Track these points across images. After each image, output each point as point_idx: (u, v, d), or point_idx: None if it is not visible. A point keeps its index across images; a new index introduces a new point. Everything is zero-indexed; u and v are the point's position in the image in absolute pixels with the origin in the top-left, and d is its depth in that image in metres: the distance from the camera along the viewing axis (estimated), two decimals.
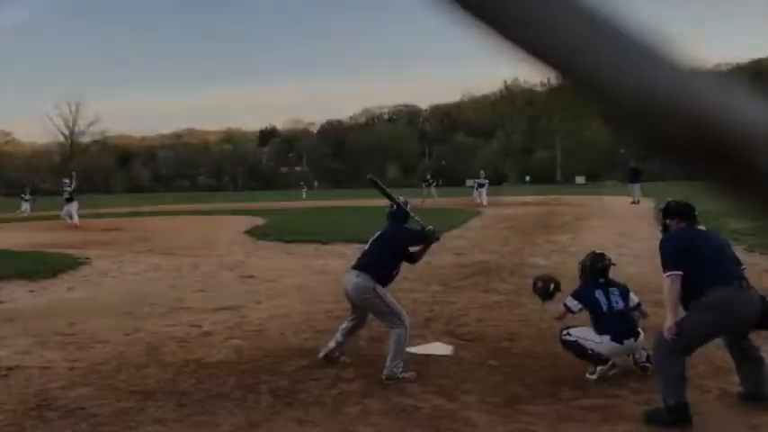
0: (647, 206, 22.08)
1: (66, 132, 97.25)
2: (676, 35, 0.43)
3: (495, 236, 14.84)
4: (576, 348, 4.77)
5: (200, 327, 6.55)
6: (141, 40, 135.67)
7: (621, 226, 16.13)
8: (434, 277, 9.31)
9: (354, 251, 12.76)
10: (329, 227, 17.32)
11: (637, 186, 24.88)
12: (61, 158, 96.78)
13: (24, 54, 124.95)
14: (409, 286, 8.70)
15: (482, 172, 30.12)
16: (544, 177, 71.24)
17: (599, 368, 4.69)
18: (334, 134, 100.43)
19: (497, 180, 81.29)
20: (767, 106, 0.42)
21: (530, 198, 31.21)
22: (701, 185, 0.44)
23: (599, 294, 4.83)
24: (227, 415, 4.10)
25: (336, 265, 11.14)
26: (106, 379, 4.89)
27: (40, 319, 7.08)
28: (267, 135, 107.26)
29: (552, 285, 5.22)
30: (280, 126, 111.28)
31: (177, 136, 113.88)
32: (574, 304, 4.90)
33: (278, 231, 16.27)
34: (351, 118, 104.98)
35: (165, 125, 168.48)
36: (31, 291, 9.07)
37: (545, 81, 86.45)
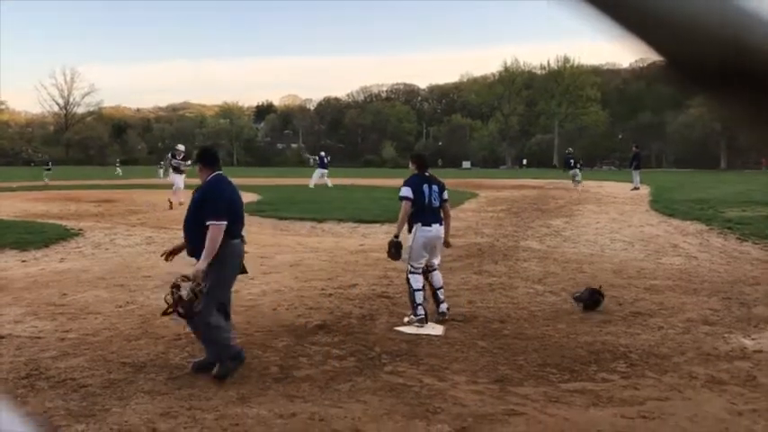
0: (645, 192, 22.15)
1: (61, 102, 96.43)
2: None
3: (490, 218, 14.85)
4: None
5: None
6: (140, 11, 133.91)
7: (616, 212, 16.17)
8: None
9: (348, 230, 12.87)
10: (324, 204, 17.29)
11: (636, 172, 24.90)
12: (55, 129, 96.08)
13: (20, 22, 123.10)
14: (402, 266, 8.70)
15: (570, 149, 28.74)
16: (542, 161, 71.20)
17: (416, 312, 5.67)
18: (331, 111, 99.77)
19: (494, 163, 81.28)
20: None
21: (526, 181, 31.19)
22: None
23: (425, 188, 5.86)
24: (217, 389, 4.11)
25: (330, 242, 11.14)
26: (97, 350, 4.89)
27: (32, 289, 7.06)
28: (264, 111, 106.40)
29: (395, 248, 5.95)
30: (276, 102, 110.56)
31: (173, 109, 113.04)
32: (408, 191, 5.82)
33: (272, 208, 16.24)
34: (348, 95, 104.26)
35: (162, 98, 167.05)
36: (23, 261, 9.04)
37: (544, 64, 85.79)
